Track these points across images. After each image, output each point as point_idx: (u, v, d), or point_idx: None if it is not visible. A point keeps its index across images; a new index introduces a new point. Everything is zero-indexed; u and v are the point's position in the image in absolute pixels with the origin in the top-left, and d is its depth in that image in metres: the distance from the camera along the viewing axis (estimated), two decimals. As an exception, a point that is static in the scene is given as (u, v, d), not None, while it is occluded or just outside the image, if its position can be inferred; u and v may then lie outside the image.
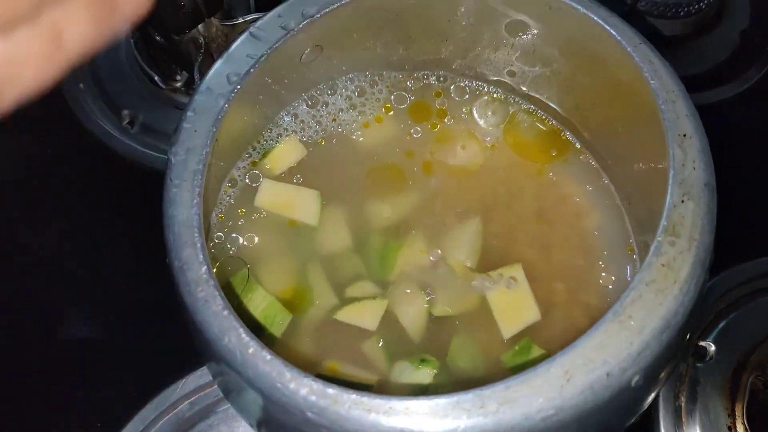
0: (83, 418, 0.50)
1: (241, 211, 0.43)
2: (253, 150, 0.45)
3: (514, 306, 0.40)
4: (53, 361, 0.53)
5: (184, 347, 0.50)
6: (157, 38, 0.41)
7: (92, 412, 0.50)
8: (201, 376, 0.50)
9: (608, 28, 0.36)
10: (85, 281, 0.56)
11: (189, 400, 0.49)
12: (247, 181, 0.44)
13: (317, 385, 0.28)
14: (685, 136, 0.32)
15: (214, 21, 0.40)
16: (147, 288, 0.55)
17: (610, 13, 0.37)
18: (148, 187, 0.57)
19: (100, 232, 0.59)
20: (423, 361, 0.38)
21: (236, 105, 0.37)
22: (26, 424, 0.50)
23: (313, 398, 0.28)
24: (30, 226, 0.59)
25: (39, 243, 0.58)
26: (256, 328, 0.38)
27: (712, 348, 0.49)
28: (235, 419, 0.49)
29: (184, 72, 0.60)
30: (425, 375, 0.38)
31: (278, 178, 0.44)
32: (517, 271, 0.41)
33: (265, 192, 0.43)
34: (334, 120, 0.47)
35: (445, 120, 0.47)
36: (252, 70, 0.37)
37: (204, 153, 0.35)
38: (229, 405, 0.49)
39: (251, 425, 0.36)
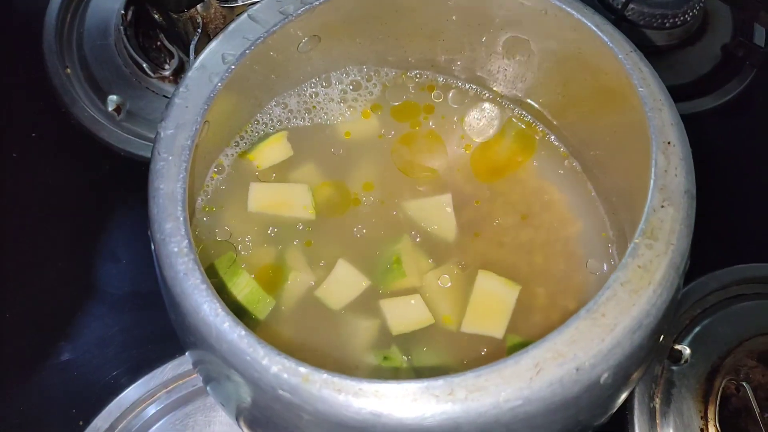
0: (59, 404, 0.50)
1: (218, 206, 0.43)
2: (241, 139, 0.45)
3: (488, 311, 0.40)
4: (30, 346, 0.52)
5: (163, 336, 0.51)
6: (156, 16, 0.41)
7: (68, 398, 0.50)
8: (179, 364, 0.50)
9: (601, 34, 0.37)
10: (67, 267, 0.56)
11: (167, 389, 0.49)
12: (233, 169, 0.44)
13: (289, 363, 0.28)
14: (669, 143, 0.33)
15: (213, 2, 0.40)
16: (127, 275, 0.55)
17: (603, 20, 0.37)
18: (132, 174, 0.58)
19: (82, 217, 0.59)
20: (386, 358, 0.39)
21: (229, 86, 0.37)
22: (1, 412, 0.50)
23: (285, 376, 0.28)
24: (10, 211, 0.59)
25: (19, 227, 0.58)
26: (239, 312, 0.38)
27: (688, 351, 0.49)
28: (212, 409, 0.49)
29: (173, 61, 0.60)
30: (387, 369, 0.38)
31: (264, 173, 0.44)
32: (514, 290, 0.41)
33: (256, 196, 0.43)
34: (326, 113, 0.47)
35: (432, 122, 0.48)
36: (248, 51, 0.37)
37: (194, 129, 0.35)
38: (208, 395, 0.49)
39: (230, 415, 0.36)
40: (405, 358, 0.39)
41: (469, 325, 0.40)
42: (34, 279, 0.55)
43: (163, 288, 0.33)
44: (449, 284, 0.41)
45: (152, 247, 0.33)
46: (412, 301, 0.40)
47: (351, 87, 0.48)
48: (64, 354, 0.52)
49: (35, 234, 0.58)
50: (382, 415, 0.27)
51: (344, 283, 0.41)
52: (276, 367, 0.28)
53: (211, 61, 0.37)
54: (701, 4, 0.68)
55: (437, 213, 0.44)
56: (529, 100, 0.47)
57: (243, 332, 0.29)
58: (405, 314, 0.39)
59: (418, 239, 0.43)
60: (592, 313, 0.29)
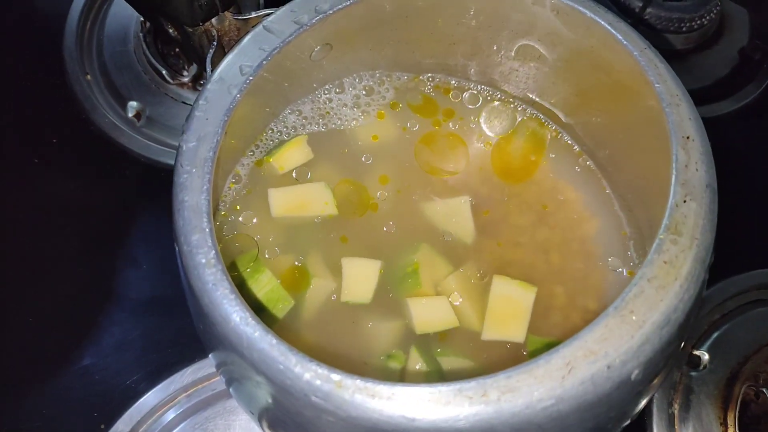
0: (80, 407, 0.50)
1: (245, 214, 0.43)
2: (257, 148, 0.45)
3: (507, 317, 0.40)
4: (52, 351, 0.53)
5: (183, 340, 0.51)
6: (170, 30, 0.41)
7: (89, 402, 0.50)
8: (199, 369, 0.50)
9: (614, 32, 0.37)
10: (87, 272, 0.57)
11: (186, 393, 0.50)
12: (250, 178, 0.44)
13: (322, 370, 0.28)
14: (688, 138, 0.33)
15: (228, 15, 0.40)
16: (148, 280, 0.55)
17: (616, 18, 0.37)
18: (152, 180, 0.59)
19: (102, 222, 0.59)
20: (390, 356, 0.39)
21: (247, 97, 0.38)
22: (24, 415, 0.50)
23: (318, 382, 0.28)
24: (31, 216, 0.59)
25: (40, 233, 0.59)
26: (257, 309, 0.38)
27: (706, 357, 0.49)
28: (232, 413, 0.49)
29: (191, 67, 0.61)
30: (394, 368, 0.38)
31: (287, 175, 0.45)
32: (530, 293, 0.41)
33: (276, 201, 0.43)
34: (340, 118, 0.47)
35: (450, 123, 0.48)
36: (264, 62, 0.38)
37: (215, 141, 0.35)
38: (227, 399, 0.49)
39: (252, 416, 0.37)
40: (424, 362, 0.39)
41: (489, 333, 0.40)
42: (55, 284, 0.56)
43: (190, 298, 0.33)
44: (466, 290, 0.41)
45: (178, 258, 0.33)
46: (439, 302, 0.40)
47: (364, 92, 0.48)
48: (86, 358, 0.52)
49: (56, 239, 0.58)
50: (416, 419, 0.27)
51: (361, 276, 0.41)
52: (308, 374, 0.28)
53: (229, 73, 0.37)
54: (718, 8, 0.68)
55: (456, 214, 0.44)
56: (542, 100, 0.47)
57: (274, 341, 0.29)
58: (430, 314, 0.40)
59: (437, 244, 0.43)
60: (620, 310, 0.29)
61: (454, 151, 0.47)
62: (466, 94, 0.49)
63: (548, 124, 0.48)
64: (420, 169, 0.46)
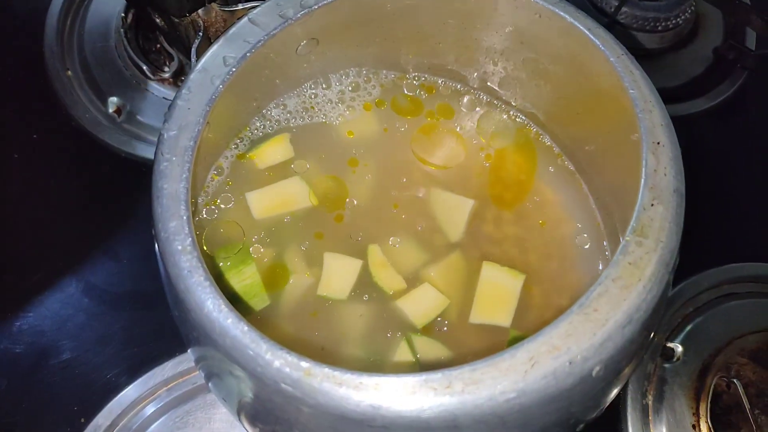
0: (61, 401, 0.51)
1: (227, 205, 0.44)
2: (240, 141, 0.46)
3: (495, 301, 0.41)
4: (32, 345, 0.53)
5: (164, 334, 0.51)
6: (157, 20, 0.41)
7: (69, 396, 0.51)
8: (180, 362, 0.50)
9: (593, 38, 0.37)
10: (67, 268, 0.57)
11: (167, 387, 0.50)
12: (233, 171, 0.45)
13: (291, 357, 0.29)
14: (659, 144, 0.34)
15: (215, 6, 0.41)
16: (128, 274, 0.56)
17: (595, 23, 0.38)
18: (133, 175, 0.59)
19: (84, 217, 0.59)
20: (373, 349, 0.39)
21: (230, 88, 0.38)
22: (4, 409, 0.51)
23: (287, 370, 0.29)
24: (11, 211, 0.59)
25: (20, 227, 0.59)
26: (234, 300, 0.39)
27: (680, 349, 0.50)
28: (212, 406, 0.50)
29: (172, 63, 0.61)
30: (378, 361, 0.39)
31: (265, 173, 0.45)
32: (518, 280, 0.42)
33: (256, 204, 0.44)
34: (325, 114, 0.48)
35: (432, 120, 0.48)
36: (248, 54, 0.38)
37: (196, 130, 0.35)
38: (208, 392, 0.50)
39: (231, 411, 0.37)
40: (409, 352, 0.39)
41: (477, 316, 0.41)
42: (34, 278, 0.56)
43: (167, 285, 0.34)
44: (447, 279, 0.42)
45: (156, 245, 0.34)
46: (423, 290, 0.41)
47: (350, 88, 0.49)
48: (66, 352, 0.52)
49: (36, 234, 0.58)
50: (381, 407, 0.28)
51: (340, 272, 0.41)
52: (278, 361, 0.29)
53: (213, 63, 0.38)
54: (693, 8, 0.69)
55: (449, 211, 0.45)
56: (524, 101, 0.48)
57: (246, 328, 0.30)
58: (421, 305, 0.40)
59: (398, 243, 0.43)
60: (584, 308, 0.30)
61: (444, 147, 0.48)
62: (450, 94, 0.50)
63: (529, 125, 0.48)
64: (403, 163, 0.47)
